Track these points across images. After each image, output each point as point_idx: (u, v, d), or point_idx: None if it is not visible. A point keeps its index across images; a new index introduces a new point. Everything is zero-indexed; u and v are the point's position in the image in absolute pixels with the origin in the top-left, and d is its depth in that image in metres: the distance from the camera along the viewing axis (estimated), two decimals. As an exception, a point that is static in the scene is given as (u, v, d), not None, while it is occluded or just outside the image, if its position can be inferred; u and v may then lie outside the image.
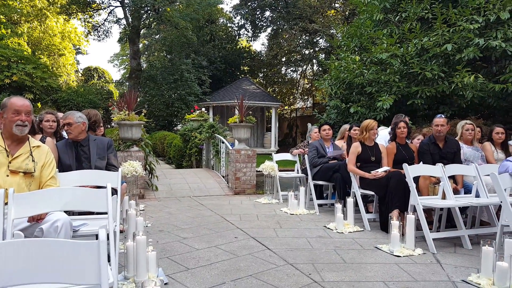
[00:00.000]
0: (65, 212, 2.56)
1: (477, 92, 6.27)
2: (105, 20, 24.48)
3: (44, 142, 3.48)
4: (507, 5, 6.13)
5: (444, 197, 4.05)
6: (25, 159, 2.71)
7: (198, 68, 20.59)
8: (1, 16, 16.76)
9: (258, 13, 24.34)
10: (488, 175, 4.05)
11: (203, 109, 12.11)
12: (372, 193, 4.72)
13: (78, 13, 22.46)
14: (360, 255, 3.59)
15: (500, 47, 5.97)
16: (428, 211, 4.35)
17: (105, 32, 24.62)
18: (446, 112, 6.98)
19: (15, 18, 19.31)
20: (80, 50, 29.10)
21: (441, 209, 4.20)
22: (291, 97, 27.69)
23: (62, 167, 3.55)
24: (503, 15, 6.09)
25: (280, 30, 23.51)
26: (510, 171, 3.25)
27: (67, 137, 3.82)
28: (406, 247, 3.66)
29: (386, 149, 4.93)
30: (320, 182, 5.85)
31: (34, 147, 2.80)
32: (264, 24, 25.02)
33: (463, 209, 4.34)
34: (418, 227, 3.83)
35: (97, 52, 59.26)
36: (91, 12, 23.53)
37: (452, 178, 4.45)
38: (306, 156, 6.10)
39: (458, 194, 4.35)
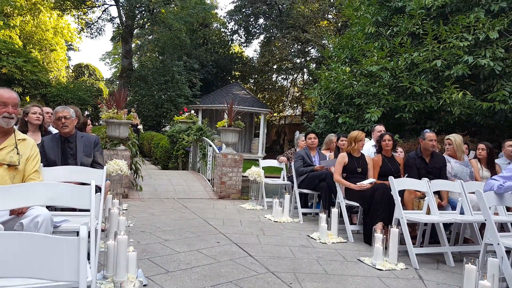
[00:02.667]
0: (47, 207, 2.51)
1: (464, 109, 6.38)
2: (99, 18, 24.38)
3: (44, 140, 3.46)
4: (496, 25, 6.28)
5: (428, 212, 4.06)
6: (10, 152, 2.66)
7: (190, 70, 20.53)
8: (-5, 8, 16.55)
9: (251, 20, 24.45)
10: (474, 192, 4.11)
11: (192, 111, 12.07)
12: (357, 204, 4.72)
13: (72, 9, 22.27)
14: (342, 266, 3.58)
15: (488, 66, 6.09)
16: (412, 226, 4.35)
17: (98, 30, 24.47)
18: (433, 127, 7.08)
19: (8, 10, 19.04)
20: (72, 47, 28.79)
21: (425, 224, 4.21)
22: (281, 104, 27.80)
23: (47, 162, 3.49)
24: (492, 35, 6.22)
25: (273, 38, 23.64)
26: (495, 190, 3.27)
27: (53, 132, 3.77)
28: (389, 261, 3.64)
29: (373, 161, 4.96)
30: (306, 191, 5.85)
31: (19, 140, 2.76)
32: (257, 31, 25.13)
33: (447, 225, 4.35)
34: (402, 241, 3.83)
35: (89, 49, 58.82)
36: (85, 9, 23.33)
37: (438, 193, 4.49)
38: (292, 164, 6.10)
39: (443, 209, 4.38)
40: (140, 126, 13.37)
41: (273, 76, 26.15)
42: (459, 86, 6.44)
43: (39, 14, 20.94)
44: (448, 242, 4.05)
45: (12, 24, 18.46)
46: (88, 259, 1.51)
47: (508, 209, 4.11)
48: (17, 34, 19.58)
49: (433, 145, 4.70)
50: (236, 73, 26.38)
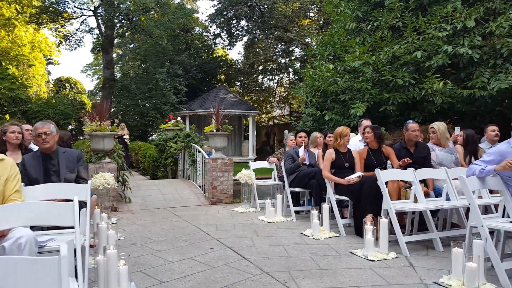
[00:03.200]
0: (33, 227, 2.46)
1: (446, 98, 6.46)
2: (77, 30, 24.01)
3: (25, 158, 3.39)
4: (473, 14, 6.37)
5: (416, 200, 4.12)
6: None
7: (174, 77, 20.41)
8: (-34, 26, 16.23)
9: (233, 22, 24.45)
10: (457, 178, 4.17)
11: (179, 118, 11.99)
12: (347, 198, 4.77)
13: (48, 22, 21.87)
14: (336, 260, 3.61)
15: (467, 54, 6.18)
16: (401, 215, 4.40)
17: (77, 42, 24.10)
18: (417, 117, 7.16)
19: (-19, 27, 18.72)
20: (51, 60, 28.34)
21: (413, 212, 4.27)
22: (268, 105, 27.85)
23: (29, 180, 3.40)
24: (469, 23, 6.32)
25: (256, 39, 23.68)
26: (477, 174, 3.34)
27: (35, 149, 3.70)
28: (380, 251, 3.70)
29: (358, 154, 5.00)
30: (297, 189, 5.86)
31: None
32: (240, 33, 25.15)
33: (434, 212, 4.41)
34: (392, 231, 3.88)
35: (69, 62, 57.98)
36: (63, 22, 22.99)
37: (423, 181, 4.54)
38: (282, 163, 6.11)
39: (428, 197, 4.44)
40: (126, 137, 13.23)
41: (259, 78, 26.19)
42: (440, 75, 6.52)
43: (14, 29, 20.49)
44: (436, 228, 4.15)
45: (-15, 41, 18.12)
46: (76, 276, 1.49)
47: (491, 191, 4.20)
48: (-9, 51, 19.25)
49: (416, 135, 4.76)
50: (222, 77, 26.35)
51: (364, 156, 4.89)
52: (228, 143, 7.77)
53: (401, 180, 4.45)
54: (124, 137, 12.87)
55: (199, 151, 8.42)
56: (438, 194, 4.57)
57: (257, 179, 6.78)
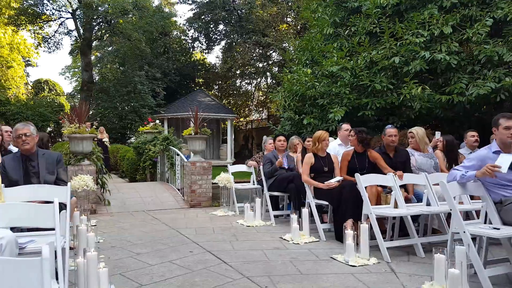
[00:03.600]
0: (13, 228, 2.41)
1: (424, 103, 6.59)
2: (55, 32, 23.58)
3: (5, 160, 3.33)
4: (450, 20, 6.54)
5: (396, 206, 4.15)
6: None
7: (152, 80, 20.23)
8: None
9: (211, 26, 24.42)
10: (438, 183, 4.24)
11: (157, 121, 11.88)
12: (327, 203, 4.80)
13: (27, 24, 21.48)
14: (316, 265, 3.62)
15: (444, 60, 6.33)
16: (381, 220, 4.44)
17: (55, 44, 23.72)
18: (396, 122, 7.28)
19: (-42, 29, 18.14)
20: (30, 62, 27.67)
21: (394, 218, 4.31)
22: (246, 109, 27.87)
23: (9, 182, 3.37)
24: (446, 30, 6.48)
25: (234, 44, 23.70)
26: (458, 179, 3.38)
27: (14, 151, 3.65)
28: (361, 256, 3.71)
29: (342, 155, 5.03)
30: (276, 193, 5.88)
31: None
32: (218, 37, 25.15)
33: (415, 218, 4.44)
34: (372, 236, 3.90)
35: (47, 64, 56.57)
36: (41, 24, 22.57)
37: (403, 187, 4.61)
38: (261, 167, 6.12)
39: (409, 202, 4.49)
40: (106, 140, 12.94)
41: (237, 82, 26.19)
42: (418, 81, 6.65)
43: (-8, 31, 20.09)
44: (417, 233, 4.16)
45: (-37, 44, 17.62)
46: (57, 278, 1.46)
47: (471, 197, 4.27)
48: (-30, 54, 18.69)
49: (393, 140, 4.81)
50: (200, 80, 26.24)
51: (349, 158, 4.89)
52: (207, 147, 7.73)
53: (379, 185, 4.50)
54: (103, 140, 12.65)
55: (178, 154, 8.35)
56: (418, 199, 4.62)
57: (235, 182, 6.77)
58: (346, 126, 5.67)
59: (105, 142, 12.62)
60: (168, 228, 5.31)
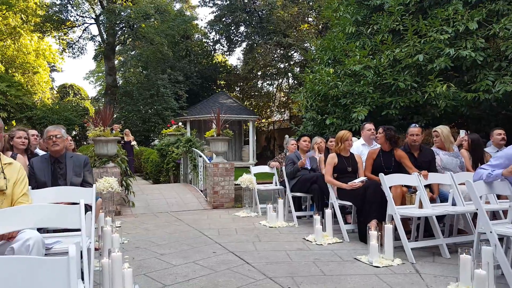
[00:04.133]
0: (40, 229, 2.48)
1: (450, 101, 6.43)
2: (79, 37, 24.30)
3: (15, 159, 3.39)
4: (475, 16, 6.35)
5: (421, 206, 4.08)
6: None
7: (175, 83, 20.50)
8: (-26, 35, 16.43)
9: (233, 28, 24.55)
10: (464, 183, 4.13)
11: (180, 123, 12.01)
12: (350, 203, 4.73)
13: (52, 30, 22.21)
14: (340, 266, 3.58)
15: (470, 57, 6.15)
16: (406, 221, 4.37)
17: (80, 49, 24.40)
18: (421, 121, 7.13)
19: (-12, 37, 18.96)
20: (55, 68, 28.62)
21: (419, 218, 4.23)
22: (268, 110, 27.86)
23: (37, 183, 3.49)
24: (471, 26, 6.29)
25: (255, 45, 23.74)
26: (484, 179, 3.29)
27: (41, 153, 3.77)
28: (385, 257, 3.65)
29: (368, 153, 4.95)
30: (298, 194, 5.85)
31: (5, 164, 2.74)
32: (239, 39, 25.24)
33: (440, 218, 4.36)
34: (397, 237, 3.85)
35: (72, 69, 58.32)
36: (66, 30, 23.28)
37: (428, 186, 4.51)
38: (283, 168, 6.10)
39: (434, 202, 4.40)
40: (134, 143, 13.03)
41: (258, 83, 26.22)
42: (442, 79, 6.50)
43: (19, 38, 20.83)
44: (443, 234, 4.08)
45: (-8, 50, 18.38)
46: (82, 278, 1.49)
47: (498, 196, 4.15)
48: (-2, 60, 19.47)
49: (414, 139, 4.70)
50: (221, 82, 26.41)
51: (374, 156, 4.81)
52: (229, 148, 7.78)
53: (404, 186, 4.42)
54: (131, 143, 12.76)
55: (200, 156, 8.42)
56: (443, 199, 4.52)
57: (258, 183, 6.77)
58: (369, 125, 5.59)
59: (132, 145, 12.72)
60: (191, 229, 5.35)
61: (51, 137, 3.67)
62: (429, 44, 6.56)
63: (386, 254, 3.67)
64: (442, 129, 5.01)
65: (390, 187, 4.06)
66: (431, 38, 6.55)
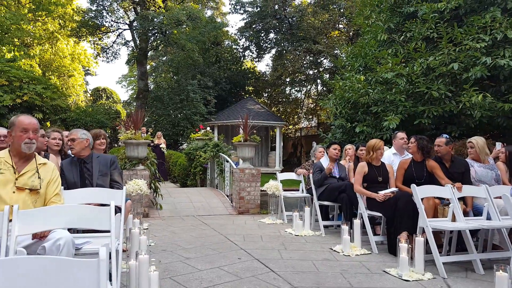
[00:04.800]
0: (69, 229, 2.54)
1: (485, 111, 6.21)
2: (113, 43, 25.09)
3: (47, 159, 3.49)
4: (515, 24, 6.14)
5: (454, 219, 3.94)
6: (31, 176, 2.73)
7: (204, 88, 20.76)
8: (15, 39, 17.17)
9: (262, 35, 24.66)
10: (500, 197, 3.96)
11: (208, 128, 12.14)
12: (380, 214, 4.61)
13: (87, 35, 23.03)
14: (368, 279, 3.49)
15: (508, 66, 5.93)
16: (437, 234, 4.22)
17: (113, 54, 25.20)
18: (454, 131, 6.92)
19: (28, 41, 19.78)
20: (89, 71, 29.59)
21: (451, 231, 4.08)
22: (296, 116, 27.75)
23: (67, 184, 3.57)
24: (510, 34, 6.07)
25: (284, 51, 23.75)
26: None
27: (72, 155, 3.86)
28: (415, 271, 3.54)
29: (399, 163, 4.83)
30: (326, 203, 5.75)
31: (40, 164, 2.83)
32: (269, 46, 25.31)
33: (474, 232, 4.21)
34: (428, 250, 3.72)
35: (105, 73, 60.25)
36: (100, 35, 24.09)
37: (462, 199, 4.35)
38: (310, 175, 6.02)
39: (467, 216, 4.24)
40: (163, 146, 12.86)
41: (286, 89, 26.20)
42: (478, 88, 6.29)
43: (56, 42, 21.69)
44: (476, 249, 3.93)
45: (32, 54, 19.13)
46: (110, 280, 1.50)
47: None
48: (36, 63, 20.27)
49: (436, 150, 4.59)
50: (250, 88, 26.54)
51: (405, 167, 4.70)
52: (255, 154, 7.78)
53: (436, 197, 4.28)
54: (160, 146, 12.64)
55: (227, 161, 8.46)
56: (477, 213, 4.35)
57: (284, 190, 6.72)
58: (402, 134, 5.45)
59: (162, 148, 12.64)
60: (217, 234, 5.36)
61: (68, 141, 3.80)
62: (464, 52, 6.38)
63: (416, 268, 3.56)
64: (477, 140, 4.83)
65: (422, 199, 3.95)
66: (467, 47, 6.36)
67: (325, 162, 5.97)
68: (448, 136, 4.70)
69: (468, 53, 6.33)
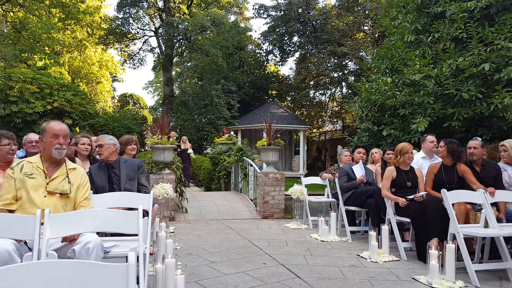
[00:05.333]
0: (98, 233, 2.59)
1: (519, 113, 5.99)
2: (140, 49, 25.69)
3: (91, 168, 3.63)
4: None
5: (486, 225, 3.80)
6: (62, 181, 2.79)
7: (228, 93, 20.91)
8: (46, 48, 17.80)
9: (286, 38, 24.62)
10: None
11: (232, 132, 12.19)
12: (408, 220, 4.49)
13: (115, 43, 23.68)
14: (396, 286, 3.40)
15: (542, 66, 5.71)
16: (469, 241, 4.08)
17: (140, 61, 25.78)
18: (486, 134, 6.69)
19: (58, 49, 20.46)
20: (116, 78, 30.33)
21: (483, 238, 3.95)
22: (320, 120, 27.53)
23: (96, 188, 3.64)
24: (544, 32, 5.85)
25: (308, 54, 23.64)
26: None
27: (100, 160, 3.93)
28: (446, 278, 3.43)
29: (428, 167, 4.70)
30: (352, 208, 5.66)
31: (70, 169, 2.89)
32: (292, 49, 25.25)
33: (508, 239, 4.04)
34: (459, 257, 3.60)
35: (132, 79, 61.73)
36: (127, 42, 24.69)
37: (494, 204, 4.19)
38: (336, 180, 5.94)
39: (500, 222, 4.08)
40: (190, 151, 12.47)
41: (310, 92, 26.04)
42: (511, 89, 6.07)
43: (85, 50, 22.36)
44: (511, 257, 3.76)
45: (61, 61, 19.76)
46: (138, 283, 1.51)
47: None
48: (66, 70, 20.93)
49: (472, 152, 4.45)
50: (273, 92, 26.53)
51: (435, 171, 4.58)
52: (279, 158, 7.74)
53: (468, 203, 4.14)
54: (188, 151, 12.22)
55: (251, 165, 8.46)
56: (511, 219, 4.19)
57: (309, 195, 6.66)
58: (431, 137, 5.31)
59: (189, 153, 12.33)
60: (241, 238, 5.36)
61: (96, 147, 3.86)
62: (496, 52, 6.17)
63: (447, 276, 3.44)
64: (511, 143, 4.65)
65: (453, 204, 3.82)
66: (499, 46, 6.16)
67: (357, 169, 5.84)
68: (481, 139, 4.55)
69: (500, 53, 6.12)
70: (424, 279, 3.52)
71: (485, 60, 6.27)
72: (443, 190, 3.84)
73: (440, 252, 3.49)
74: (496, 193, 4.05)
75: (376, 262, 4.17)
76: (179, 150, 10.94)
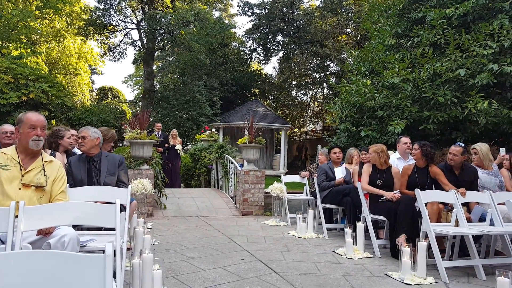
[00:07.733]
0: (74, 226, 2.56)
1: (491, 118, 6.21)
2: (120, 42, 25.15)
3: (54, 157, 3.53)
4: (522, 32, 6.13)
5: (457, 224, 3.94)
6: (38, 173, 2.74)
7: (210, 89, 20.80)
8: (22, 37, 17.28)
9: (270, 37, 24.69)
10: (504, 203, 3.96)
11: (214, 129, 12.17)
12: (383, 218, 4.62)
13: (94, 34, 23.10)
14: (370, 282, 3.50)
15: (514, 73, 5.92)
16: (440, 239, 4.22)
17: (120, 53, 25.24)
18: (460, 137, 6.91)
19: (35, 38, 19.89)
20: (96, 70, 29.75)
21: (454, 237, 4.09)
22: (301, 119, 27.73)
23: (74, 181, 3.59)
24: (517, 41, 6.07)
25: (291, 54, 23.75)
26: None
27: (79, 153, 3.88)
28: (417, 275, 3.55)
29: (402, 169, 4.83)
30: (330, 206, 5.76)
31: (46, 161, 2.84)
32: (276, 48, 25.33)
33: (477, 238, 4.21)
34: (430, 255, 3.73)
35: (112, 72, 60.50)
36: (107, 34, 24.16)
37: (466, 205, 4.35)
38: (315, 178, 6.04)
39: (470, 221, 4.24)
40: (179, 147, 10.59)
41: (292, 92, 26.19)
42: (484, 95, 6.28)
43: (63, 40, 21.81)
44: (479, 254, 3.92)
45: (38, 51, 19.22)
46: (114, 277, 1.52)
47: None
48: (43, 61, 20.34)
49: (451, 158, 4.56)
50: (256, 90, 26.56)
51: (409, 173, 4.71)
52: (260, 156, 7.78)
53: (440, 203, 4.28)
54: (176, 147, 10.52)
55: (232, 162, 8.48)
56: (481, 219, 4.34)
57: (288, 193, 6.73)
58: (405, 139, 5.46)
59: (177, 150, 10.56)
60: (220, 235, 5.39)
61: (79, 137, 3.79)
62: (471, 59, 6.37)
63: (418, 272, 3.56)
64: (481, 147, 4.83)
65: (426, 204, 3.95)
66: (474, 53, 6.36)
67: (338, 172, 5.95)
68: (463, 145, 4.68)
69: (475, 60, 6.32)
70: (397, 275, 3.63)
71: (461, 65, 6.47)
72: (417, 190, 3.97)
73: (412, 249, 3.60)
74: (467, 194, 4.20)
75: (351, 258, 4.27)
76: (166, 145, 10.41)
